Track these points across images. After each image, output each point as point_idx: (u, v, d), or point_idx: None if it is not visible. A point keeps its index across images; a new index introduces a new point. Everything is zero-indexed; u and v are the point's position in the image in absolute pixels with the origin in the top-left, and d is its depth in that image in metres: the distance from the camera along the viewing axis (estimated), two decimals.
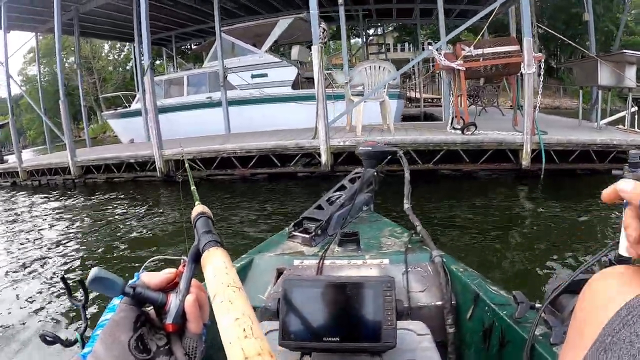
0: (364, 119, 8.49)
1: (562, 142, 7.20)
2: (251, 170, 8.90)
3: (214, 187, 8.99)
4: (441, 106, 20.65)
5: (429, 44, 29.14)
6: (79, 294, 0.79)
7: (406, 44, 33.88)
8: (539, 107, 7.28)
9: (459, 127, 7.93)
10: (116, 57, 39.65)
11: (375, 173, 2.34)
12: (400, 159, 2.32)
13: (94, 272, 0.53)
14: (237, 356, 0.40)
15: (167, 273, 0.61)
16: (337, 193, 2.22)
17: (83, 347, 0.95)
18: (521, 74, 7.31)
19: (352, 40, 27.36)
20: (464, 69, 7.55)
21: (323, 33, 7.87)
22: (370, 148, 2.28)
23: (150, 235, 6.45)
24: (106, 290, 0.54)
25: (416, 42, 30.72)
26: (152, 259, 0.86)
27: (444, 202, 6.55)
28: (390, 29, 25.44)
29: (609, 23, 28.09)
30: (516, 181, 7.32)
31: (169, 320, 0.57)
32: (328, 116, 7.86)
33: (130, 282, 0.58)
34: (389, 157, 2.54)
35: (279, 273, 1.63)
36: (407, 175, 2.29)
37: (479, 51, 7.51)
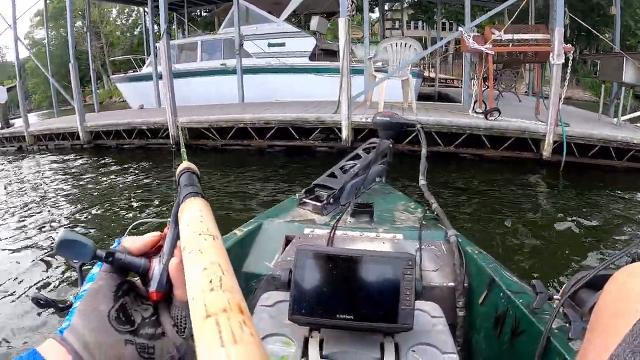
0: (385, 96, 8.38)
1: (584, 136, 7.10)
2: (268, 142, 8.72)
3: (228, 157, 8.83)
4: (456, 87, 20.67)
5: (449, 24, 28.75)
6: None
7: (420, 22, 33.40)
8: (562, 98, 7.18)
9: (481, 111, 7.81)
10: (124, 22, 39.15)
11: (391, 145, 2.23)
12: (418, 133, 2.23)
13: (61, 234, 0.48)
14: (198, 314, 0.33)
15: (151, 237, 0.56)
16: (351, 162, 2.13)
17: None
18: (549, 63, 7.20)
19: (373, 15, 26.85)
20: (493, 53, 7.32)
21: (351, 5, 7.59)
22: (388, 118, 2.17)
23: (156, 202, 6.40)
24: (75, 255, 0.49)
25: (432, 20, 30.36)
26: (135, 223, 0.77)
27: (461, 185, 6.58)
28: (406, 5, 24.93)
29: (628, 18, 27.59)
30: (535, 171, 7.21)
31: (152, 287, 0.52)
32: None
33: (110, 247, 0.53)
34: (405, 130, 2.40)
35: (288, 240, 1.59)
36: (423, 150, 2.22)
37: (509, 36, 7.31)
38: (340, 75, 7.64)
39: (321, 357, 0.93)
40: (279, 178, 7.20)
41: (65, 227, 5.54)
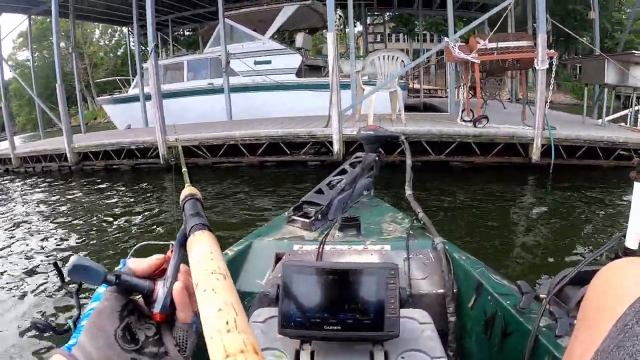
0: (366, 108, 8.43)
1: (570, 138, 7.26)
2: (259, 158, 8.72)
3: (220, 175, 8.80)
4: (439, 97, 20.88)
5: (430, 35, 29.11)
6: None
7: (401, 35, 33.80)
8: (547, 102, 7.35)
9: (469, 119, 7.96)
10: (107, 42, 39.06)
11: (377, 158, 2.29)
12: (402, 144, 2.29)
13: (73, 260, 0.51)
14: (217, 353, 0.36)
15: (155, 259, 0.58)
16: (338, 177, 2.17)
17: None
18: (533, 69, 7.41)
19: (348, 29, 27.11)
20: (479, 62, 7.46)
21: (339, 20, 7.67)
22: (372, 132, 2.24)
23: (149, 222, 6.35)
24: (87, 280, 0.52)
25: (412, 32, 30.70)
26: (139, 244, 0.79)
27: (453, 192, 6.64)
28: (387, 18, 25.25)
29: (605, 21, 28.16)
30: (525, 175, 7.33)
31: (156, 309, 0.54)
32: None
33: (116, 269, 0.55)
34: (391, 142, 2.46)
35: (278, 258, 1.61)
36: (408, 161, 2.26)
37: (493, 45, 7.45)
38: (330, 90, 7.68)
39: None
40: (272, 193, 7.18)
41: (63, 250, 5.52)
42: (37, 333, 3.17)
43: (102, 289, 0.55)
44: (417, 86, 18.95)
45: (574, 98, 25.15)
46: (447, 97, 21.26)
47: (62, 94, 10.59)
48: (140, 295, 0.57)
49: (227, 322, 0.38)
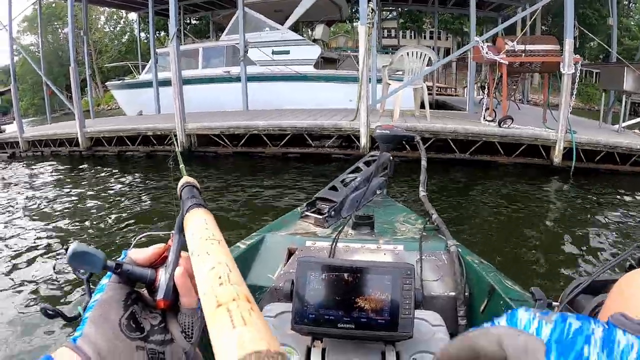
0: (390, 103, 8.48)
1: (591, 142, 7.35)
2: (282, 149, 8.62)
3: (240, 164, 8.70)
4: (449, 95, 20.83)
5: (438, 32, 29.05)
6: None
7: (408, 32, 33.76)
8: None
9: (490, 119, 8.03)
10: (112, 29, 38.81)
11: (391, 158, 2.26)
12: (417, 145, 2.24)
13: (73, 246, 0.51)
14: (209, 305, 0.36)
15: (156, 248, 0.58)
16: (352, 175, 2.17)
17: None
18: (557, 73, 7.50)
19: (356, 24, 27.06)
20: (507, 63, 7.43)
21: (371, 13, 7.57)
22: (387, 131, 2.14)
23: (162, 211, 6.31)
24: (87, 266, 0.52)
25: (421, 29, 30.67)
26: (141, 235, 0.82)
27: (473, 191, 6.77)
28: (395, 14, 25.23)
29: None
30: (546, 177, 7.39)
31: (159, 296, 0.54)
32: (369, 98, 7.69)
33: (118, 259, 0.55)
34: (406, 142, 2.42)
35: (290, 253, 1.61)
36: (423, 162, 2.26)
37: (522, 47, 7.43)
38: (359, 83, 7.63)
39: None
40: (292, 185, 7.14)
41: (68, 239, 5.47)
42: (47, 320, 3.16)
43: (105, 280, 0.55)
44: (429, 83, 18.86)
45: (580, 102, 25.15)
46: (457, 95, 21.38)
47: (76, 77, 10.41)
48: (143, 287, 0.57)
49: (219, 277, 0.38)
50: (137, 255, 0.57)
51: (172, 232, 0.59)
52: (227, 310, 0.34)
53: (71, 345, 0.47)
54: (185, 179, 0.70)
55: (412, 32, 33.50)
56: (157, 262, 0.58)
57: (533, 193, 6.62)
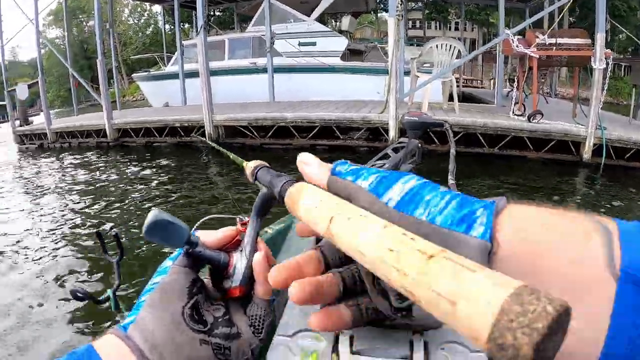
0: (418, 96, 8.40)
1: (622, 139, 7.22)
2: (311, 141, 8.60)
3: (267, 156, 8.62)
4: (475, 87, 20.58)
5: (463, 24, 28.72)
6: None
7: (433, 23, 33.42)
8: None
9: (520, 113, 7.92)
10: (136, 21, 39.21)
11: (419, 145, 2.13)
12: (446, 132, 2.14)
13: (153, 214, 0.43)
14: (412, 260, 0.27)
15: (228, 230, 0.53)
16: (380, 161, 2.08)
17: (116, 306, 1.01)
18: (588, 67, 7.32)
19: (380, 14, 26.91)
20: (538, 56, 7.31)
21: (400, 5, 7.48)
22: (416, 118, 2.08)
23: (197, 201, 6.34)
24: (168, 239, 0.45)
25: (447, 20, 30.30)
26: (205, 218, 0.78)
27: (502, 186, 6.65)
28: (420, 5, 25.00)
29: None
30: (575, 173, 7.29)
31: (235, 282, 0.49)
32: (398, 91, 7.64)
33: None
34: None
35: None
36: (452, 150, 2.17)
37: (552, 40, 7.29)
38: (389, 75, 7.54)
39: (351, 352, 0.86)
40: None
41: (104, 222, 5.58)
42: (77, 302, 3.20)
43: (168, 262, 0.49)
44: (455, 75, 18.65)
45: (608, 96, 24.66)
46: (483, 87, 21.13)
47: (103, 69, 10.51)
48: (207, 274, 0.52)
49: (403, 233, 0.30)
50: (205, 238, 0.51)
51: (239, 217, 0.57)
52: (447, 259, 0.27)
53: (120, 333, 0.42)
54: (254, 162, 0.62)
55: (437, 23, 33.15)
56: (229, 246, 0.53)
57: (561, 189, 6.53)
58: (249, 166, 0.60)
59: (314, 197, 0.40)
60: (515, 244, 0.29)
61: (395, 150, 2.17)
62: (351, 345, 0.86)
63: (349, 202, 0.36)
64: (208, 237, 0.52)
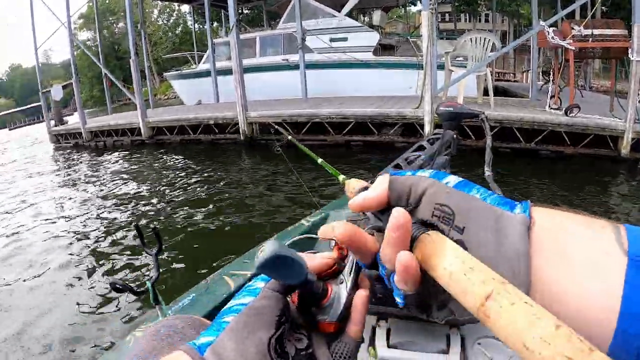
0: (452, 91, 8.33)
1: None
2: (346, 137, 8.58)
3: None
4: (507, 80, 20.23)
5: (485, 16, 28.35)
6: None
7: (462, 15, 33.02)
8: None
9: (556, 107, 7.76)
10: (165, 22, 39.77)
11: (454, 135, 2.09)
12: (482, 123, 2.11)
13: (273, 248, 0.37)
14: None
15: (327, 258, 0.48)
16: (416, 153, 1.97)
17: (155, 298, 1.01)
18: (625, 59, 7.16)
19: (409, 8, 26.65)
20: (574, 48, 7.12)
21: None
22: (451, 108, 2.05)
23: (237, 199, 6.35)
24: (284, 277, 0.40)
25: (476, 13, 29.84)
26: (295, 238, 0.78)
27: (539, 182, 6.55)
28: None
29: None
30: (613, 168, 7.06)
31: (331, 317, 0.45)
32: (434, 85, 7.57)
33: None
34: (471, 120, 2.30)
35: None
36: (488, 141, 2.07)
37: (588, 32, 7.09)
38: (424, 70, 7.50)
39: (388, 346, 0.92)
40: (356, 168, 7.18)
41: (143, 216, 5.60)
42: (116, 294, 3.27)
43: (260, 283, 0.44)
44: (488, 69, 18.38)
45: None
46: (516, 80, 20.76)
47: (136, 68, 10.68)
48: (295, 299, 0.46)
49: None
50: (307, 261, 0.45)
51: (333, 239, 0.46)
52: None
53: (195, 353, 0.37)
54: (359, 182, 0.57)
55: (467, 15, 32.74)
56: (326, 274, 0.49)
57: (598, 185, 6.40)
58: (352, 186, 0.55)
59: (458, 259, 0.35)
60: (547, 224, 0.34)
61: (431, 142, 2.16)
62: (388, 338, 0.94)
63: (505, 280, 0.32)
64: (309, 261, 0.47)
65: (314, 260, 0.47)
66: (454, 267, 0.34)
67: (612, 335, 0.29)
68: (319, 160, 0.95)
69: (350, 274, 0.48)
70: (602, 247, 0.31)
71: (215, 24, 23.15)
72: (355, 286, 0.47)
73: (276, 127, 3.04)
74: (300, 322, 0.45)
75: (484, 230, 0.35)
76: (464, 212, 0.36)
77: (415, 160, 1.94)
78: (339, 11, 12.37)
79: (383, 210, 0.43)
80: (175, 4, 30.93)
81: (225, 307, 0.43)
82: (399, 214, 0.36)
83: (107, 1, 37.74)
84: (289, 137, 1.10)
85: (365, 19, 15.85)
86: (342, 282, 0.47)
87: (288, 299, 0.45)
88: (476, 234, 0.35)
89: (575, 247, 0.32)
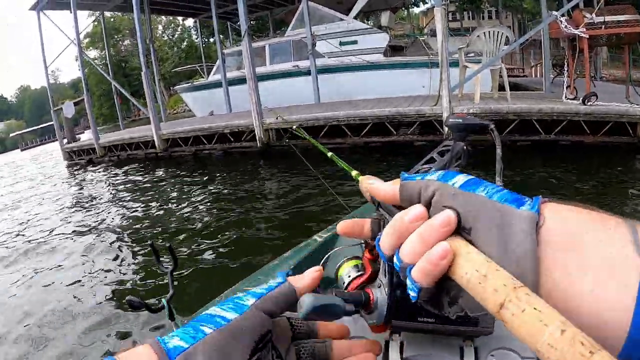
0: (466, 87, 8.31)
1: None
2: (364, 138, 8.54)
3: (320, 157, 8.61)
4: (517, 75, 20.13)
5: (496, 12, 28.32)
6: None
7: (466, 13, 33.01)
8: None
9: (572, 97, 7.67)
10: (170, 37, 40.10)
11: (465, 147, 2.06)
12: (491, 133, 2.06)
13: (310, 301, 0.44)
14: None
15: (314, 271, 0.51)
16: (427, 165, 2.00)
17: (171, 315, 1.02)
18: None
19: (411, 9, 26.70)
20: (587, 36, 7.04)
21: None
22: (460, 120, 1.98)
23: (258, 208, 6.33)
24: (328, 317, 0.46)
25: (480, 10, 29.83)
26: (329, 252, 0.74)
27: (561, 173, 6.51)
28: None
29: None
30: (632, 156, 6.99)
31: (378, 320, 0.52)
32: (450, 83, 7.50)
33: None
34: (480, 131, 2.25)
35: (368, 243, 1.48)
36: (498, 151, 2.08)
37: (600, 19, 7.01)
38: (440, 67, 7.45)
39: (401, 359, 0.91)
40: (375, 172, 7.01)
41: (163, 234, 5.58)
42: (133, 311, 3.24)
43: (250, 300, 0.44)
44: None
45: None
46: (525, 75, 20.67)
47: (148, 82, 10.74)
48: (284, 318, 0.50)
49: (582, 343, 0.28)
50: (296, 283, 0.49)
51: (362, 241, 0.56)
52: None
53: (161, 351, 0.38)
54: (374, 178, 0.59)
55: (470, 13, 32.73)
56: (364, 281, 0.55)
57: (619, 174, 6.32)
58: (367, 182, 0.55)
59: (473, 266, 0.36)
60: (558, 221, 0.32)
61: (441, 153, 2.14)
62: (401, 351, 0.92)
63: (517, 281, 0.33)
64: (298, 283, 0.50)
65: (304, 280, 0.49)
66: (470, 275, 0.35)
67: (626, 337, 0.29)
68: (329, 154, 0.94)
69: (385, 275, 0.51)
70: (617, 248, 0.30)
71: (221, 36, 23.35)
72: (392, 287, 0.51)
73: (294, 128, 3.06)
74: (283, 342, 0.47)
75: (489, 229, 0.35)
76: (469, 213, 0.36)
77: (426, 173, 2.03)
78: (346, 15, 12.36)
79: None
80: (179, 18, 31.25)
81: (206, 312, 0.42)
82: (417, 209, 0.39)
83: (112, 20, 38.13)
84: (294, 127, 1.10)
85: (370, 22, 15.85)
86: (380, 286, 0.52)
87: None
88: (483, 233, 0.35)
89: (588, 246, 0.31)
